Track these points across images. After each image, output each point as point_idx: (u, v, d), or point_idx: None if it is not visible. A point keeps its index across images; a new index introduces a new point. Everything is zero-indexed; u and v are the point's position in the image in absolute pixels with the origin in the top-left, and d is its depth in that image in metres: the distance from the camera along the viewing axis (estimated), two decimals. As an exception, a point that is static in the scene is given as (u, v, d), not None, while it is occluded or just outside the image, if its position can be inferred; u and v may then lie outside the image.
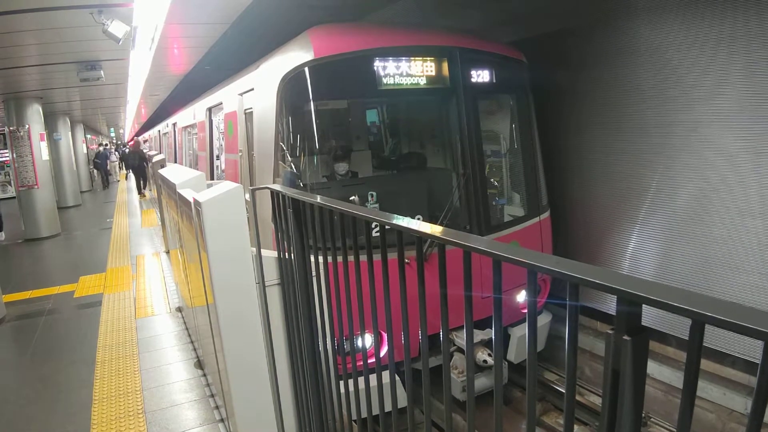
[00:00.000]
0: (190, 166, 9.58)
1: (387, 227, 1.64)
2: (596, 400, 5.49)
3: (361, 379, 2.07)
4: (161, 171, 5.25)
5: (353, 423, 2.20)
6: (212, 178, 7.64)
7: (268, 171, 4.68)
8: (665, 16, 4.88)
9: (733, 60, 4.43)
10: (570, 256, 1.05)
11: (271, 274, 2.67)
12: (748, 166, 4.47)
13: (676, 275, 5.19)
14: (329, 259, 2.08)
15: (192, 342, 4.71)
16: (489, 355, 4.44)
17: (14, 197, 11.14)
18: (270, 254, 2.67)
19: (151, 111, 19.79)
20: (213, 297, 2.49)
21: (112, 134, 38.70)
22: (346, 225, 1.88)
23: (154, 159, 9.55)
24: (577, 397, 5.41)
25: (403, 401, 3.67)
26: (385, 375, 1.97)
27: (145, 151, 18.97)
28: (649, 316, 0.91)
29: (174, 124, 12.90)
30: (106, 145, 29.91)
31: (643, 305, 0.87)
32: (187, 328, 5.05)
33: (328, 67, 4.49)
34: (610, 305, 5.78)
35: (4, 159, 11.37)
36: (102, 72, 7.41)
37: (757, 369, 0.73)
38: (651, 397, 5.26)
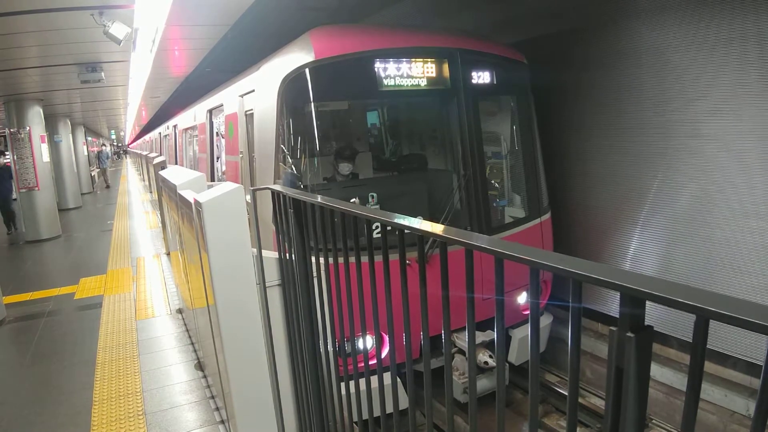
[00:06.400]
0: (191, 169, 9.57)
1: (388, 227, 1.63)
2: (597, 402, 5.47)
3: (362, 381, 2.06)
4: (162, 173, 5.24)
5: (354, 425, 2.19)
6: (213, 180, 7.64)
7: (268, 172, 4.68)
8: (667, 16, 4.88)
9: (734, 61, 4.43)
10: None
11: (272, 275, 2.66)
12: (750, 166, 4.46)
13: (677, 276, 5.18)
14: (330, 259, 2.07)
15: (192, 343, 4.71)
16: (490, 356, 4.43)
17: (15, 199, 11.15)
18: (271, 255, 2.67)
19: (151, 113, 19.84)
20: (213, 298, 2.48)
21: (113, 136, 38.89)
22: (347, 225, 1.87)
23: (155, 161, 9.55)
24: (579, 399, 5.38)
25: (404, 403, 3.67)
26: (387, 377, 1.95)
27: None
28: (649, 318, 0.91)
29: (174, 126, 12.91)
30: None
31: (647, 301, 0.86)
32: (187, 330, 5.04)
33: (329, 69, 4.50)
34: (611, 306, 5.77)
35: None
36: (103, 74, 7.42)
37: (757, 370, 0.73)
38: (652, 398, 5.24)
